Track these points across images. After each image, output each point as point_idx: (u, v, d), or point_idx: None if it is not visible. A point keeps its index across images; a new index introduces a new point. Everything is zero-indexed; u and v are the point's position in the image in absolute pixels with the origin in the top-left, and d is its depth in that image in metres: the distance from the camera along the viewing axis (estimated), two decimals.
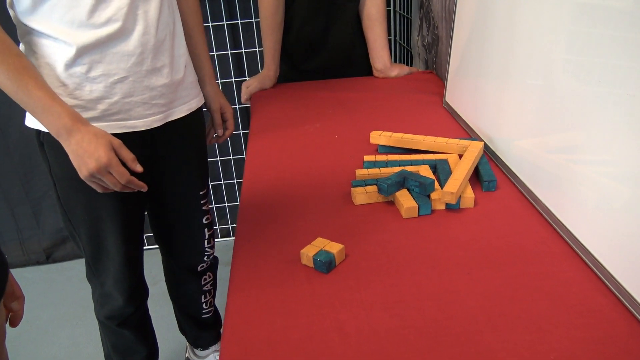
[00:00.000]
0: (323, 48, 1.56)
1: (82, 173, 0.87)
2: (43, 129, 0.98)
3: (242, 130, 2.13)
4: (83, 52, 0.91)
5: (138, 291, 1.23)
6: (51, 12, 0.89)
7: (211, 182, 2.20)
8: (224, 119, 1.26)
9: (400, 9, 1.96)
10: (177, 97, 1.07)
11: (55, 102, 0.84)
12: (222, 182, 2.22)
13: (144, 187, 0.91)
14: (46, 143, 1.01)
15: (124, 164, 0.89)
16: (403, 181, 0.86)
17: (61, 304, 1.98)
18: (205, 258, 1.34)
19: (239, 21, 1.96)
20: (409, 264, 0.71)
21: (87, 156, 0.85)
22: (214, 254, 1.38)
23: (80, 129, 0.85)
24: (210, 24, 1.94)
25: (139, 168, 0.90)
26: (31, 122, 1.00)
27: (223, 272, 1.45)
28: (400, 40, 2.01)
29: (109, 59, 0.94)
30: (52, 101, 0.83)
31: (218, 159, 2.16)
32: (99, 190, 0.91)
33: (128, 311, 1.21)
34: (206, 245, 1.31)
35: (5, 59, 0.81)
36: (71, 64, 0.92)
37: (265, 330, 0.61)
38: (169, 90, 1.04)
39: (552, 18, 0.77)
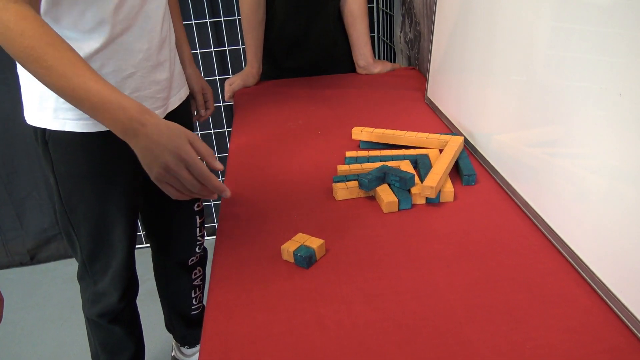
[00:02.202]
0: (305, 46, 1.56)
1: (154, 171, 0.74)
2: (49, 126, 0.97)
3: (227, 128, 2.12)
4: (99, 49, 0.91)
5: (132, 286, 1.23)
6: (70, 8, 0.87)
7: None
8: (205, 99, 1.30)
9: (382, 6, 1.97)
10: (172, 88, 1.09)
11: (118, 94, 0.74)
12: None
13: (226, 191, 0.77)
14: (51, 141, 0.99)
15: None
16: (384, 176, 0.86)
17: (46, 305, 1.96)
18: (197, 249, 1.35)
19: (222, 19, 1.96)
20: (389, 258, 0.72)
21: (159, 150, 0.73)
22: (204, 246, 1.39)
23: (149, 121, 0.74)
24: (193, 22, 1.93)
25: (218, 165, 0.77)
26: (35, 120, 0.99)
27: (207, 271, 1.45)
28: (383, 37, 2.02)
29: (119, 55, 0.94)
30: (114, 94, 0.73)
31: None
32: (174, 195, 0.78)
33: (121, 306, 1.21)
34: (197, 233, 1.32)
35: (60, 54, 0.72)
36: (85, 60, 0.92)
37: (246, 326, 0.62)
38: (168, 83, 1.06)
39: (532, 14, 0.78)
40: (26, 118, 1.00)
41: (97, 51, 0.91)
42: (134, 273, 1.23)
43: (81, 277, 1.19)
